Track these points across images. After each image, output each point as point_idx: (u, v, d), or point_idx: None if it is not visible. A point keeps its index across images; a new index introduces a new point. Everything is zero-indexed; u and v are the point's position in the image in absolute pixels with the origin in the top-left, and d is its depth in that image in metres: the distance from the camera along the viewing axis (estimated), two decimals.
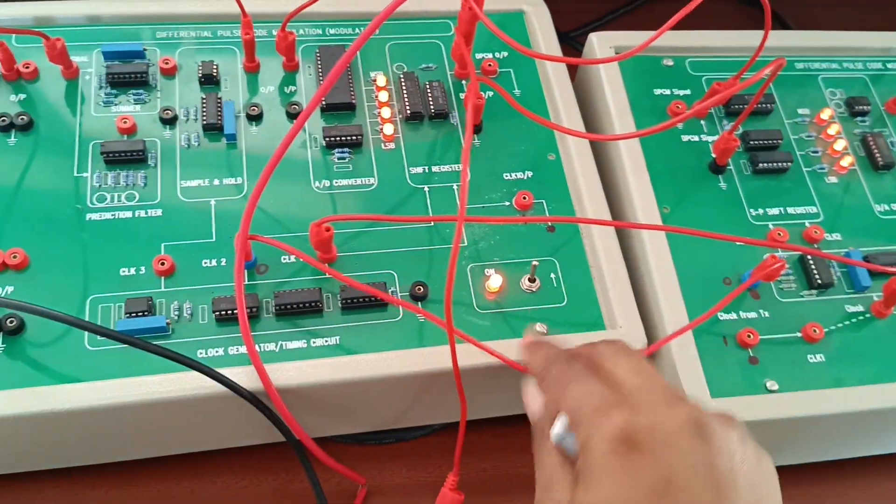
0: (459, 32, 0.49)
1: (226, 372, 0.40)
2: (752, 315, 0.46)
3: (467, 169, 0.39)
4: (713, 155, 0.50)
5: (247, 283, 0.44)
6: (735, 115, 0.52)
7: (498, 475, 0.48)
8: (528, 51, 0.38)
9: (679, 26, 0.54)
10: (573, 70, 0.57)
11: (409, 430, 0.49)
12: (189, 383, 0.39)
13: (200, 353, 0.41)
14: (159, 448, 0.45)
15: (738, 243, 0.47)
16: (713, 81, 0.53)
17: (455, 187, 0.48)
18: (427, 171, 0.48)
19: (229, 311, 0.42)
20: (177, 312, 0.42)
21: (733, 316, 0.45)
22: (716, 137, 0.50)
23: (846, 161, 0.51)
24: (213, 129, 0.48)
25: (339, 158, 0.48)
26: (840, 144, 0.51)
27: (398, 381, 0.42)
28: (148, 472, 0.46)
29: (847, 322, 0.46)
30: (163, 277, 0.43)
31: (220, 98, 0.48)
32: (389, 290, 0.44)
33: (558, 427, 0.33)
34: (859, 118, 0.53)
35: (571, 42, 0.74)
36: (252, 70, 0.50)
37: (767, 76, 0.42)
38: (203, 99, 0.48)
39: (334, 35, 0.53)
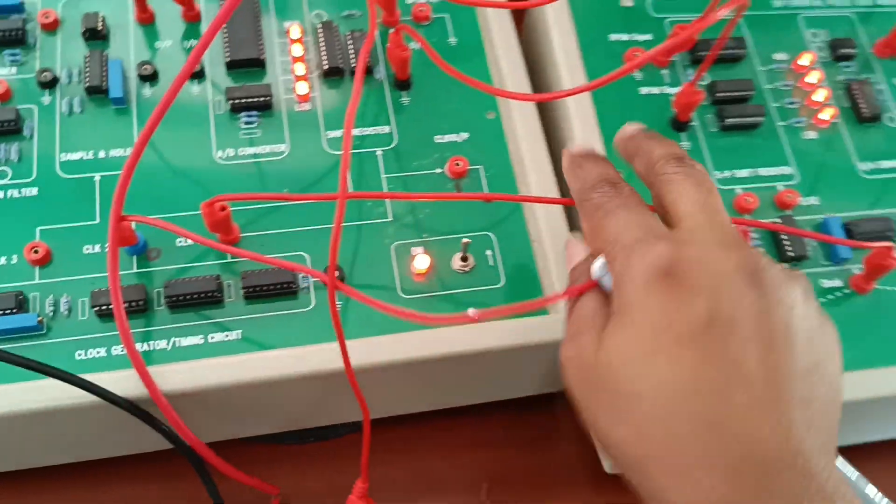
0: None
1: (106, 376, 0.35)
2: None
3: (350, 138, 0.33)
4: (674, 110, 0.43)
5: (135, 270, 0.38)
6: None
7: (427, 473, 0.43)
8: None
9: None
10: (522, 15, 0.51)
11: (335, 427, 0.44)
12: (54, 392, 0.34)
13: (80, 355, 0.36)
14: (40, 458, 0.40)
15: None
16: (677, 24, 0.47)
17: (379, 152, 0.42)
18: None
19: (111, 306, 0.36)
20: (52, 308, 0.37)
21: None
22: (678, 89, 0.44)
23: (827, 113, 0.45)
24: (97, 93, 0.42)
25: (245, 123, 0.42)
26: (821, 94, 0.45)
27: (310, 379, 0.37)
28: (33, 483, 0.41)
29: (823, 299, 0.41)
30: (37, 267, 0.38)
31: (105, 55, 0.42)
32: (300, 275, 0.39)
33: (599, 262, 0.29)
34: (843, 63, 0.47)
35: None
36: (146, 22, 0.44)
37: (732, 15, 0.35)
38: (86, 57, 0.42)
39: None
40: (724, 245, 0.27)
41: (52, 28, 0.43)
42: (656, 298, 0.26)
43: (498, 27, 0.45)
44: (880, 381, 0.39)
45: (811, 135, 0.45)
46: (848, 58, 0.47)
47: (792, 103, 0.46)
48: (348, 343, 0.34)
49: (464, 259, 0.40)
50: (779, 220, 0.42)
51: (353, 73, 0.44)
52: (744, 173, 0.43)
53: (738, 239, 0.28)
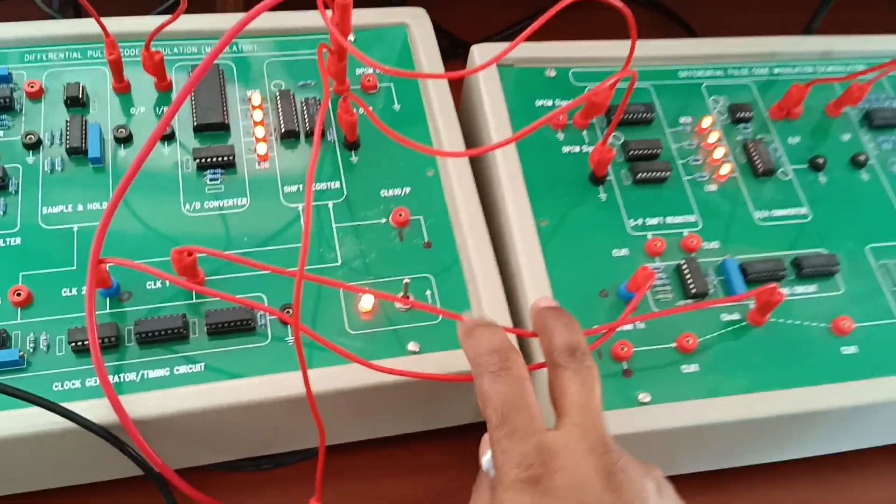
0: (332, 50, 0.48)
1: (80, 405, 0.39)
2: (628, 327, 0.45)
3: (309, 222, 0.38)
4: (591, 166, 0.49)
5: (108, 311, 0.43)
6: (619, 127, 0.52)
7: (376, 495, 0.48)
8: (382, 66, 0.37)
9: (573, 35, 0.55)
10: (459, 83, 0.57)
11: (289, 454, 0.48)
12: (35, 419, 0.38)
13: (56, 387, 0.40)
14: (17, 485, 0.44)
15: (613, 254, 0.47)
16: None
17: (330, 205, 0.47)
18: (301, 189, 0.48)
19: (86, 342, 0.40)
20: (32, 345, 0.41)
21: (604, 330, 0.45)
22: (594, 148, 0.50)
23: (725, 168, 0.51)
24: (77, 153, 0.46)
25: (210, 179, 0.47)
26: (720, 152, 0.52)
27: (266, 406, 0.41)
28: None
29: (723, 331, 0.46)
30: (19, 308, 0.42)
31: (85, 120, 0.47)
32: (258, 314, 0.43)
33: (486, 457, 0.33)
34: (742, 125, 0.54)
35: None
36: (122, 91, 0.49)
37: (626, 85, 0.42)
38: (67, 122, 0.47)
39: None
40: (590, 450, 0.32)
41: (36, 96, 0.48)
42: (524, 500, 0.30)
43: (437, 95, 0.51)
44: (775, 403, 0.44)
45: (712, 187, 0.51)
46: (745, 120, 0.54)
47: (696, 160, 0.52)
48: (298, 374, 0.39)
49: (405, 298, 0.45)
50: (683, 262, 0.47)
51: (307, 135, 0.49)
52: (654, 221, 0.49)
53: (604, 441, 0.32)
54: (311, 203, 0.42)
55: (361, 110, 0.48)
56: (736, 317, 0.47)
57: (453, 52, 0.74)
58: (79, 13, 0.64)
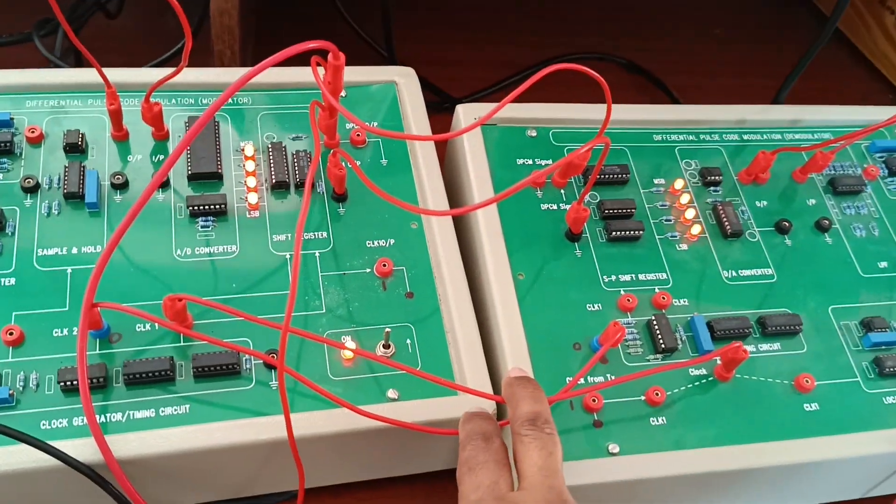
0: (323, 107, 0.50)
1: (67, 444, 0.40)
2: (600, 379, 0.47)
3: (297, 278, 0.40)
4: (567, 224, 0.52)
5: (98, 352, 0.44)
6: (596, 186, 0.55)
7: None
8: (369, 128, 0.40)
9: (555, 95, 0.58)
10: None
11: (270, 496, 0.49)
12: (21, 457, 0.39)
13: (44, 425, 0.41)
14: None
15: (587, 308, 0.49)
16: (571, 152, 0.56)
17: (317, 254, 0.49)
18: (290, 238, 0.49)
19: (75, 382, 0.42)
20: (22, 383, 0.42)
21: (581, 380, 0.47)
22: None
23: (696, 229, 0.54)
24: (74, 198, 0.48)
25: (202, 227, 0.49)
26: (691, 213, 0.54)
27: (248, 448, 0.43)
28: None
29: (690, 385, 0.48)
30: (11, 347, 0.43)
31: (83, 166, 0.49)
32: (243, 358, 0.45)
33: None
34: (712, 188, 0.56)
35: None
36: (120, 139, 0.51)
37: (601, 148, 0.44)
38: (66, 167, 0.49)
39: (207, 105, 0.54)
40: None
41: (36, 141, 0.50)
42: None
43: (422, 151, 0.54)
44: (739, 457, 0.46)
45: (683, 247, 0.53)
46: (716, 183, 0.56)
47: (668, 220, 0.54)
48: (281, 417, 0.40)
49: (386, 346, 0.46)
50: (653, 318, 0.49)
51: (297, 186, 0.51)
52: (626, 278, 0.51)
53: (563, 499, 0.36)
54: (298, 260, 0.43)
55: (350, 165, 0.50)
56: (703, 372, 0.49)
57: (441, 107, 0.77)
58: (79, 60, 0.66)
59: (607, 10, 0.91)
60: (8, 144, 0.49)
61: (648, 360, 0.48)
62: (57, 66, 0.62)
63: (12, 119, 0.50)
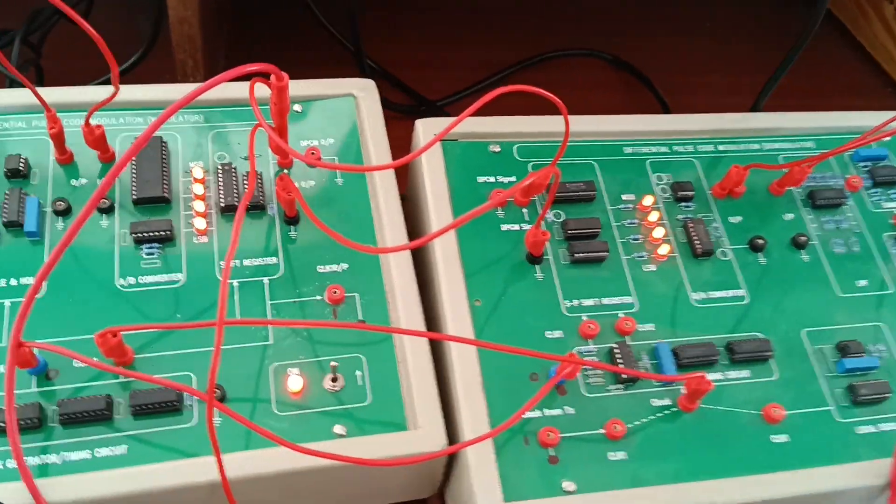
0: (272, 127, 0.48)
1: None
2: (557, 412, 0.45)
3: (230, 266, 0.38)
4: (527, 247, 0.50)
5: (35, 389, 0.43)
6: (561, 204, 0.52)
7: None
8: (306, 159, 0.38)
9: (523, 106, 0.55)
10: (406, 149, 0.57)
11: None
12: None
13: None
14: None
15: (546, 335, 0.47)
16: (537, 168, 0.53)
17: (266, 281, 0.48)
18: (239, 264, 0.48)
19: (3, 423, 0.41)
20: None
21: (538, 413, 0.45)
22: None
23: (664, 249, 0.51)
24: (14, 226, 0.47)
25: (147, 254, 0.47)
26: (660, 231, 0.52)
27: (188, 490, 0.41)
28: None
29: (653, 416, 0.46)
30: None
31: (24, 193, 0.47)
32: (184, 394, 0.43)
33: None
34: (683, 203, 0.54)
35: (439, 111, 0.74)
36: (65, 162, 0.50)
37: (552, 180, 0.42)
38: (6, 195, 0.47)
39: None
40: None
41: None
42: None
43: (379, 175, 0.52)
44: (701, 493, 0.44)
45: (651, 268, 0.51)
46: (688, 199, 0.54)
47: (636, 239, 0.52)
48: (225, 457, 0.39)
49: (334, 380, 0.45)
50: (616, 346, 0.47)
51: (247, 209, 0.50)
52: (589, 302, 0.49)
53: None
54: (227, 280, 0.41)
55: (295, 196, 0.48)
56: (667, 402, 0.47)
57: (416, 110, 0.75)
58: (41, 74, 0.64)
59: (593, 5, 0.88)
60: None
61: (609, 391, 0.47)
62: (12, 81, 0.60)
63: None
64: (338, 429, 0.44)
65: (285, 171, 0.52)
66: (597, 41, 0.83)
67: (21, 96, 0.51)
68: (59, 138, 0.48)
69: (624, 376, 0.46)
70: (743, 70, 0.79)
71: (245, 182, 0.50)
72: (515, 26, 0.85)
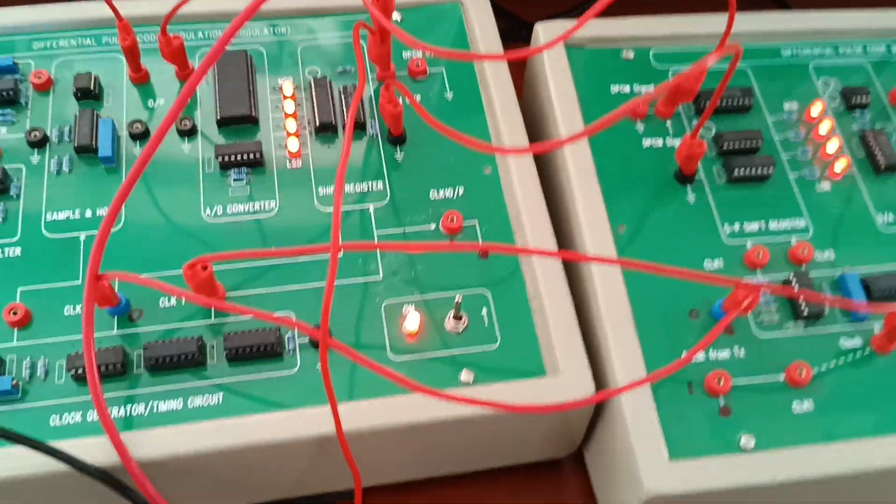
0: (372, 31, 0.42)
1: (79, 442, 0.33)
2: (724, 354, 0.38)
3: (341, 191, 0.31)
4: (677, 163, 0.42)
5: (117, 332, 0.37)
6: (712, 116, 0.44)
7: None
8: (435, 48, 0.30)
9: (652, 10, 0.48)
10: (521, 68, 0.50)
11: (324, 496, 0.42)
12: (21, 461, 0.33)
13: (54, 421, 0.35)
14: None
15: (705, 266, 0.40)
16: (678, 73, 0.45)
17: (372, 209, 0.41)
18: None
19: (82, 370, 0.35)
20: (29, 371, 0.36)
21: (700, 357, 0.38)
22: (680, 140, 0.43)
23: (840, 165, 0.43)
24: (87, 152, 0.41)
25: (235, 180, 0.41)
26: (833, 145, 0.43)
27: (293, 446, 0.35)
28: None
29: (842, 360, 0.38)
30: (15, 329, 0.37)
31: (97, 115, 0.42)
32: (286, 336, 0.37)
33: None
34: (857, 112, 0.45)
35: None
36: (139, 81, 0.44)
37: (726, 64, 0.34)
38: (76, 117, 0.41)
39: (239, 36, 0.46)
40: None
41: (44, 88, 0.43)
42: None
43: (495, 81, 0.44)
44: None
45: (825, 186, 0.43)
46: (862, 106, 0.45)
47: (804, 154, 0.44)
48: (340, 406, 0.32)
49: (457, 318, 0.38)
50: (792, 276, 0.39)
51: (345, 128, 0.43)
52: (754, 226, 0.41)
53: None
54: (339, 217, 0.35)
55: (407, 100, 0.41)
56: (858, 343, 0.38)
57: (515, 35, 0.67)
58: None
59: None
60: (12, 93, 0.42)
61: (786, 330, 0.39)
62: None
63: (16, 64, 0.43)
64: (464, 375, 0.37)
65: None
66: None
67: (90, 9, 0.45)
68: (132, 52, 0.42)
69: (805, 312, 0.38)
70: None
71: (343, 98, 0.43)
72: None
